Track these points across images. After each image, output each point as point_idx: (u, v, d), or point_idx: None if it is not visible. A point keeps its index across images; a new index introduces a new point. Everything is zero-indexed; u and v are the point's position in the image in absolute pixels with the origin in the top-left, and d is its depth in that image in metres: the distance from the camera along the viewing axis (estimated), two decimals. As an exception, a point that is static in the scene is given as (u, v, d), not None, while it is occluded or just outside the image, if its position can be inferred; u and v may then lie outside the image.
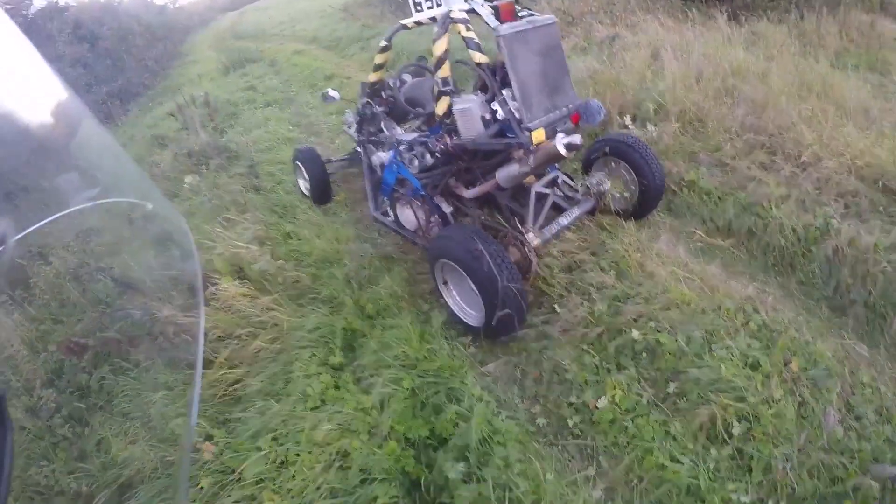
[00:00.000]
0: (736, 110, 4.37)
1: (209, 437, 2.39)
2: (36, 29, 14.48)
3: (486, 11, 2.85)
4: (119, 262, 3.37)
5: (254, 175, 5.43)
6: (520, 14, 2.91)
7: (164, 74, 17.39)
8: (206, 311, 3.12)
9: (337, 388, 2.58)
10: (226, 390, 2.74)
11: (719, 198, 3.74)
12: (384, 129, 3.93)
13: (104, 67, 14.91)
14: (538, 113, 2.80)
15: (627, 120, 4.43)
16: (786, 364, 2.45)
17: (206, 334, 3.01)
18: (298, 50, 12.92)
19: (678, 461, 2.17)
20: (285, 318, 3.11)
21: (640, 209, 3.54)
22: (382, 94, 4.01)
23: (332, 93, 4.48)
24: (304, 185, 4.85)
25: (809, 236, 3.25)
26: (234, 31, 25.21)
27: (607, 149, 3.47)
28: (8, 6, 14.54)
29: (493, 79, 2.84)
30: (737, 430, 2.22)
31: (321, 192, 4.68)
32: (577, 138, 2.61)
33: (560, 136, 2.64)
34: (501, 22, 2.79)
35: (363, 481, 2.10)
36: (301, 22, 18.38)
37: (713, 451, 2.20)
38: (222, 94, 9.25)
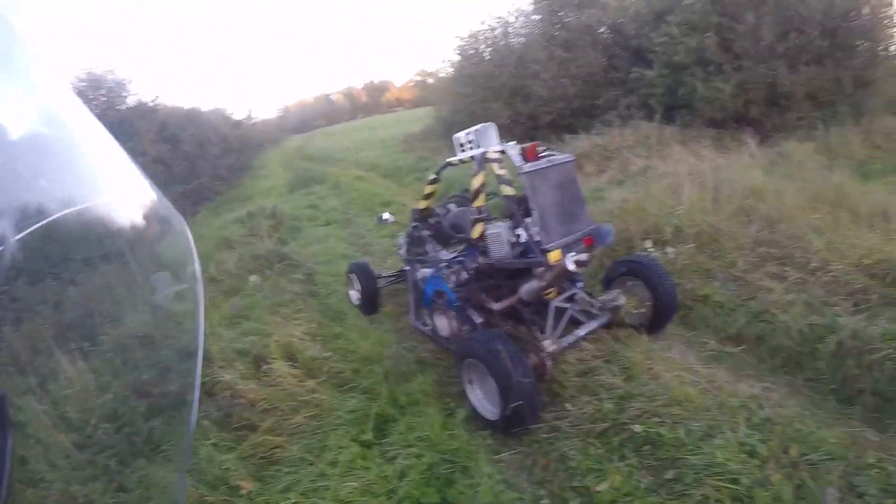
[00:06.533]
0: (750, 227, 4.77)
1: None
2: (126, 124, 16.25)
3: (514, 152, 3.49)
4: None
5: (311, 282, 6.05)
6: (541, 154, 3.53)
7: (235, 183, 19.26)
8: (255, 385, 3.59)
9: (364, 458, 2.93)
10: (266, 453, 3.12)
11: (731, 309, 4.04)
12: (429, 251, 4.50)
13: (182, 169, 16.68)
14: (555, 237, 3.33)
15: (648, 243, 4.88)
16: (784, 451, 2.62)
17: (253, 404, 3.46)
18: (360, 176, 14.31)
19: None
20: (327, 398, 3.53)
21: (654, 323, 3.87)
22: (430, 219, 4.64)
23: (385, 216, 5.21)
24: (355, 295, 5.39)
25: (815, 335, 3.49)
26: (302, 153, 27.86)
27: (624, 269, 3.93)
28: (104, 97, 16.77)
29: (518, 208, 3.43)
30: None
31: (370, 303, 5.20)
32: (583, 256, 3.12)
33: (570, 255, 3.16)
34: (526, 161, 3.41)
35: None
36: (364, 150, 20.29)
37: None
38: (287, 209, 10.32)
